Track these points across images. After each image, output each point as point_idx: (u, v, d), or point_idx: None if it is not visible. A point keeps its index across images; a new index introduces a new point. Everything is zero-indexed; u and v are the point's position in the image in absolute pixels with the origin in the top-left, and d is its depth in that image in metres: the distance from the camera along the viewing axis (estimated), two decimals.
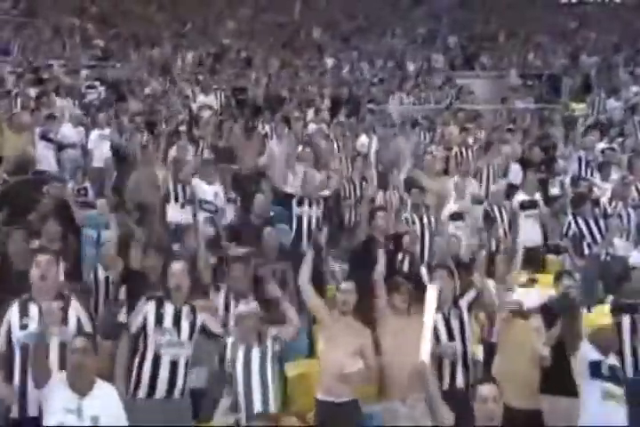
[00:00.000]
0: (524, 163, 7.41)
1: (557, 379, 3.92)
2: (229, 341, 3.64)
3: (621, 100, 10.25)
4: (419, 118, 9.28)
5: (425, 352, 2.96)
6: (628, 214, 6.40)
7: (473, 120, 9.04)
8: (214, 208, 5.78)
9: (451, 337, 4.00)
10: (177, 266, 3.57)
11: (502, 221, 6.31)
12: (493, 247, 6.18)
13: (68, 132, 6.95)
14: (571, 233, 6.05)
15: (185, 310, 3.53)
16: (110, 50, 11.33)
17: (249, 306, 3.66)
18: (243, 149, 7.22)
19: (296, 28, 15.56)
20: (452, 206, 6.26)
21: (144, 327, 3.49)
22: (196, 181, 5.96)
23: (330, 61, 12.75)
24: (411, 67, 13.00)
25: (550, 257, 6.45)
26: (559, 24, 16.39)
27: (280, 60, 12.35)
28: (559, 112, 9.59)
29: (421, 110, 9.72)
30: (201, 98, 9.40)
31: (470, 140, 8.20)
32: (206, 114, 8.56)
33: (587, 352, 3.68)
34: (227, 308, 4.10)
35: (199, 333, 3.56)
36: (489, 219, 6.26)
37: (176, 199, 5.91)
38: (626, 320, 4.25)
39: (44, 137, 6.52)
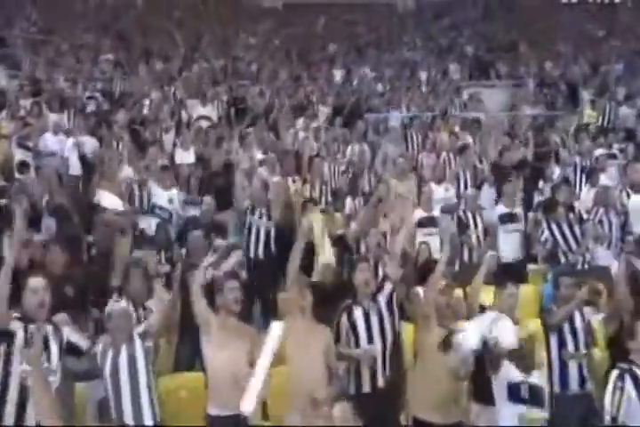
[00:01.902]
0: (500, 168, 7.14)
1: (484, 388, 3.70)
2: (98, 349, 3.44)
3: (635, 107, 9.85)
4: (413, 125, 9.10)
5: (249, 403, 2.73)
6: (610, 221, 6.08)
7: (468, 127, 8.81)
8: (167, 214, 5.77)
9: (370, 338, 3.84)
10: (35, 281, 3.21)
11: (476, 227, 6.06)
12: (466, 255, 6.02)
13: (48, 140, 7.10)
14: (544, 240, 5.78)
15: (49, 329, 3.23)
16: (120, 64, 11.61)
17: (118, 305, 3.53)
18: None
19: (313, 41, 15.73)
20: (418, 213, 6.06)
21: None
22: (151, 186, 5.98)
23: (338, 72, 12.75)
24: (423, 76, 12.88)
25: (531, 267, 6.16)
26: (585, 32, 16.03)
27: (288, 71, 12.45)
28: (567, 119, 9.25)
29: (421, 117, 9.54)
30: (199, 108, 9.50)
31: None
32: (204, 124, 8.66)
33: (506, 372, 3.42)
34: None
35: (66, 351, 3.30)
36: (462, 225, 6.03)
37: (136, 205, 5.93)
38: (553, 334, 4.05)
39: (21, 145, 6.66)
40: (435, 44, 15.91)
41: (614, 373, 3.41)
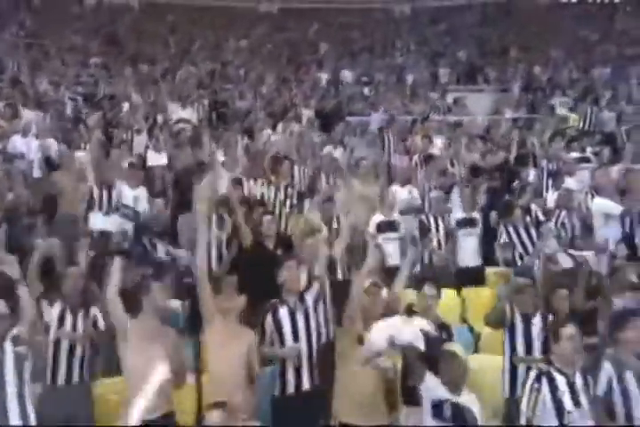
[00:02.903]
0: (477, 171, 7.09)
1: (413, 389, 3.65)
2: None
3: (615, 111, 9.79)
4: (391, 128, 9.08)
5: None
6: (572, 224, 6.03)
7: (445, 131, 8.78)
8: (131, 213, 5.76)
9: (295, 338, 3.80)
10: None
11: (438, 231, 6.01)
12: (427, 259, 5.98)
13: (17, 142, 7.15)
14: (502, 243, 5.74)
15: None
16: (107, 67, 11.70)
17: None
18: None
19: (305, 45, 15.78)
20: (378, 217, 6.01)
21: None
22: (119, 185, 5.99)
23: (325, 76, 12.77)
24: (409, 80, 12.88)
25: (491, 270, 6.11)
26: (580, 36, 15.96)
27: (276, 74, 12.49)
28: (545, 123, 9.19)
29: (400, 121, 9.51)
30: (179, 111, 9.54)
31: (435, 150, 7.97)
32: (181, 127, 8.68)
33: (434, 388, 3.34)
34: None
35: None
36: (423, 229, 5.99)
37: (100, 206, 5.94)
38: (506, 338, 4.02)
39: None
40: (428, 49, 15.92)
41: (532, 374, 3.38)
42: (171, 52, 13.91)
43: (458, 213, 6.08)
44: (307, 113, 10.33)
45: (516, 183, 6.95)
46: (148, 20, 16.37)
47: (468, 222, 5.98)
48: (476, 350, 5.09)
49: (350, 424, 3.65)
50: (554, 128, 8.73)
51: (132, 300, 3.52)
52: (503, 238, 5.76)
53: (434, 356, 3.31)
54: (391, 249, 5.78)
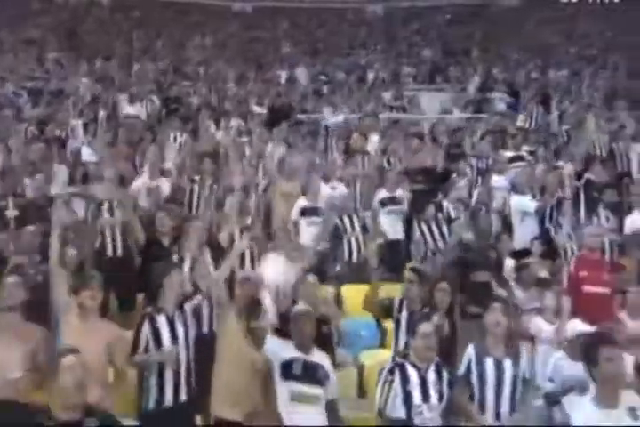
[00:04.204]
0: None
1: None
2: None
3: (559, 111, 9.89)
4: (337, 126, 9.10)
5: None
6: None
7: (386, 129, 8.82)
8: None
9: (175, 342, 3.68)
10: None
11: (353, 230, 6.01)
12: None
13: None
14: (416, 240, 5.79)
15: None
16: (61, 63, 11.65)
17: None
18: None
19: (272, 44, 15.79)
20: (301, 202, 6.06)
21: None
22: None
23: (284, 73, 12.78)
24: (369, 80, 12.93)
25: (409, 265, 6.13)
26: (542, 38, 16.08)
27: (237, 73, 12.48)
28: (486, 122, 9.25)
29: (351, 119, 9.54)
30: (126, 107, 9.52)
31: (370, 148, 8.00)
32: (128, 123, 8.65)
33: (280, 350, 3.40)
34: None
35: None
36: (338, 231, 5.98)
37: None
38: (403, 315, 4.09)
39: None
40: (395, 49, 15.99)
41: (387, 366, 3.43)
42: (132, 48, 13.88)
43: (381, 193, 6.25)
44: (258, 110, 10.34)
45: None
46: (114, 16, 16.30)
47: (390, 200, 6.15)
48: (382, 345, 5.13)
49: (225, 419, 3.66)
50: (492, 126, 8.77)
51: None
52: (416, 235, 5.80)
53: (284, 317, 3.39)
54: (314, 232, 5.83)
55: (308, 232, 5.89)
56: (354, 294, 5.21)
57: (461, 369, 3.49)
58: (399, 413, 3.29)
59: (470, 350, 3.49)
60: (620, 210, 6.08)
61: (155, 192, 6.06)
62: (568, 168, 6.78)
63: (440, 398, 3.32)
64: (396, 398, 3.29)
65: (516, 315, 4.56)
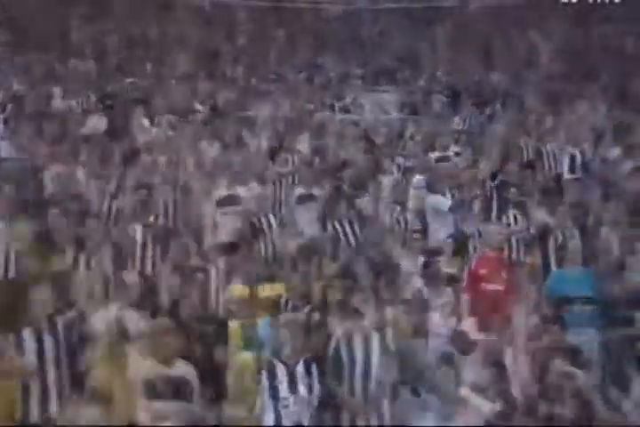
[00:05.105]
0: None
1: None
2: None
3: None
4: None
5: None
6: (405, 219, 6.18)
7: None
8: None
9: (40, 359, 3.55)
10: None
11: (270, 227, 6.05)
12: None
13: None
14: (329, 237, 5.84)
15: None
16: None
17: None
18: None
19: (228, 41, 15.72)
20: (219, 192, 6.09)
21: None
22: None
23: (229, 72, 12.77)
24: (316, 79, 13.00)
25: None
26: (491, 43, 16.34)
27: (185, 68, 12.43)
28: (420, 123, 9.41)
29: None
30: (58, 101, 9.40)
31: (302, 147, 8.06)
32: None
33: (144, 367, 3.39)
34: None
35: None
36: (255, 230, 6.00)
37: None
38: None
39: None
40: (349, 51, 16.06)
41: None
42: (80, 43, 13.67)
43: (298, 190, 6.34)
44: (200, 108, 10.31)
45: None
46: (61, 10, 15.99)
47: (307, 198, 6.22)
48: None
49: None
50: (425, 127, 8.92)
51: None
52: (329, 232, 5.85)
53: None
54: (229, 223, 5.82)
55: (223, 225, 5.86)
56: (269, 292, 5.24)
57: (331, 347, 3.62)
58: (268, 406, 3.33)
59: (339, 331, 3.63)
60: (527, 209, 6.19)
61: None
62: (484, 168, 6.92)
63: (310, 390, 3.38)
64: (264, 392, 3.35)
65: (422, 310, 4.65)
